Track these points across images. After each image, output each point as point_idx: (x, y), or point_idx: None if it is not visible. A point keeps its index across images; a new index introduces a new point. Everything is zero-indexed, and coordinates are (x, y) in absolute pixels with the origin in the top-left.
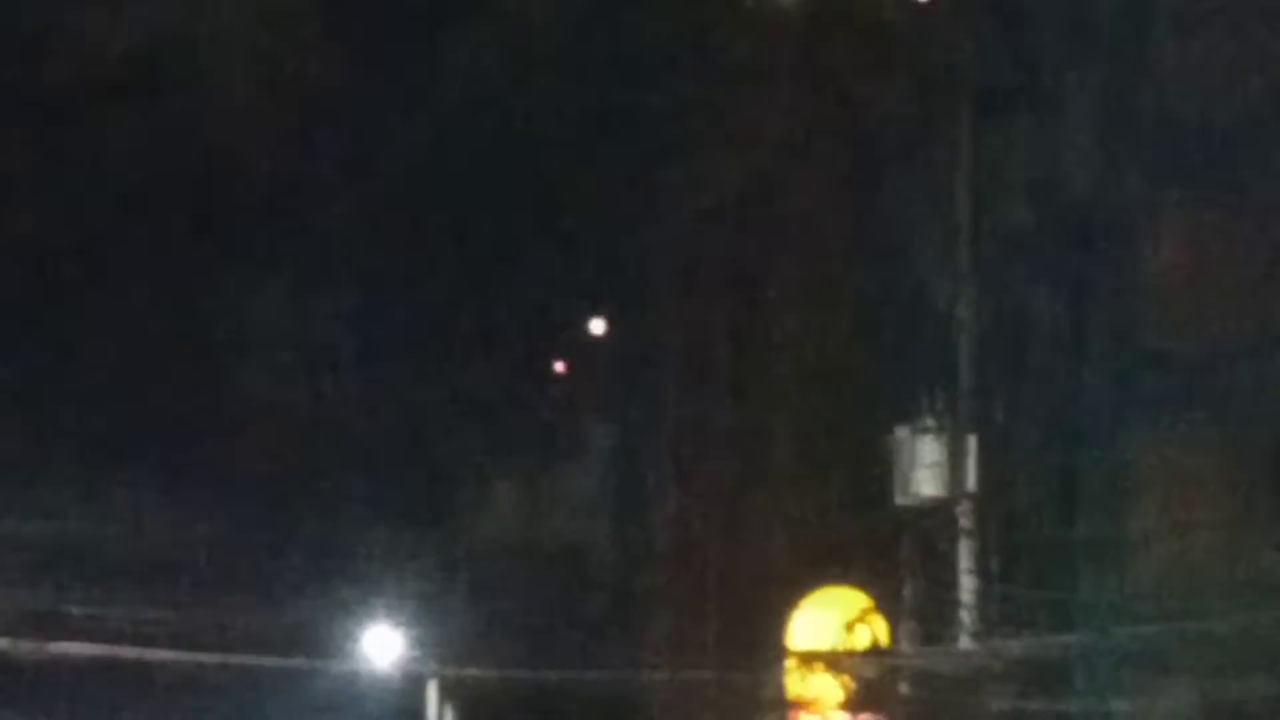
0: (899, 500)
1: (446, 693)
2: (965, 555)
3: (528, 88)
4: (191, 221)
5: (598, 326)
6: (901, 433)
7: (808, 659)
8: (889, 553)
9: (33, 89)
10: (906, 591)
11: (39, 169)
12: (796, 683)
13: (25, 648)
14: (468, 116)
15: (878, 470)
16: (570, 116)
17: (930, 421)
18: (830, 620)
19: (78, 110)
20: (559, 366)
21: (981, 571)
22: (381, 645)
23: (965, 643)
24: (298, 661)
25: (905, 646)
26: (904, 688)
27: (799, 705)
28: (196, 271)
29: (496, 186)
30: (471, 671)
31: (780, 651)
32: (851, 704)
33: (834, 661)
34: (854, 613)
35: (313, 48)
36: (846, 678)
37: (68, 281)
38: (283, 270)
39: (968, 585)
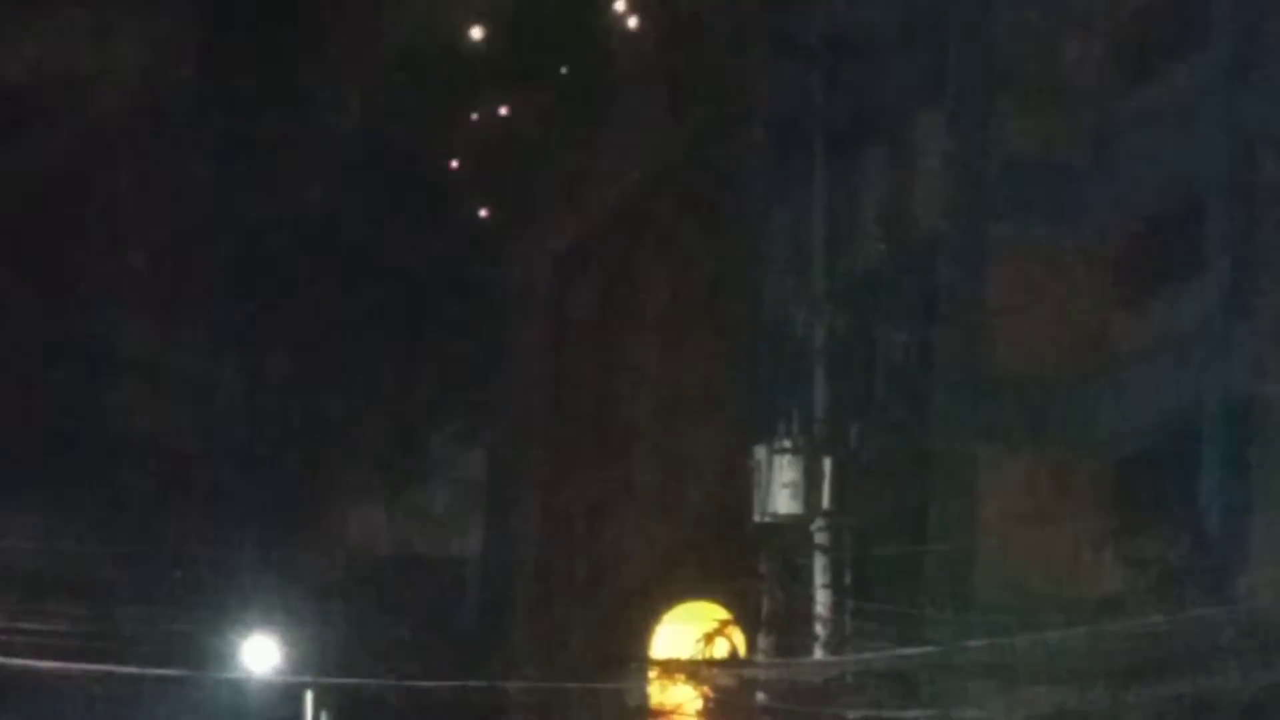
0: (757, 517)
1: (322, 701)
2: (820, 570)
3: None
4: (67, 251)
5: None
6: (760, 453)
7: (669, 669)
8: (747, 568)
9: None
10: (764, 605)
11: None
12: (658, 692)
13: None
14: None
15: (737, 489)
16: None
17: (787, 442)
18: (690, 632)
19: None
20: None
21: (836, 586)
22: (259, 654)
23: (819, 654)
24: (179, 671)
25: (762, 657)
26: (760, 697)
27: (661, 714)
28: (75, 298)
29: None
30: (347, 680)
31: (643, 662)
32: (710, 713)
33: (694, 672)
34: (713, 625)
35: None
36: (706, 687)
37: None
38: (160, 298)
39: (822, 599)
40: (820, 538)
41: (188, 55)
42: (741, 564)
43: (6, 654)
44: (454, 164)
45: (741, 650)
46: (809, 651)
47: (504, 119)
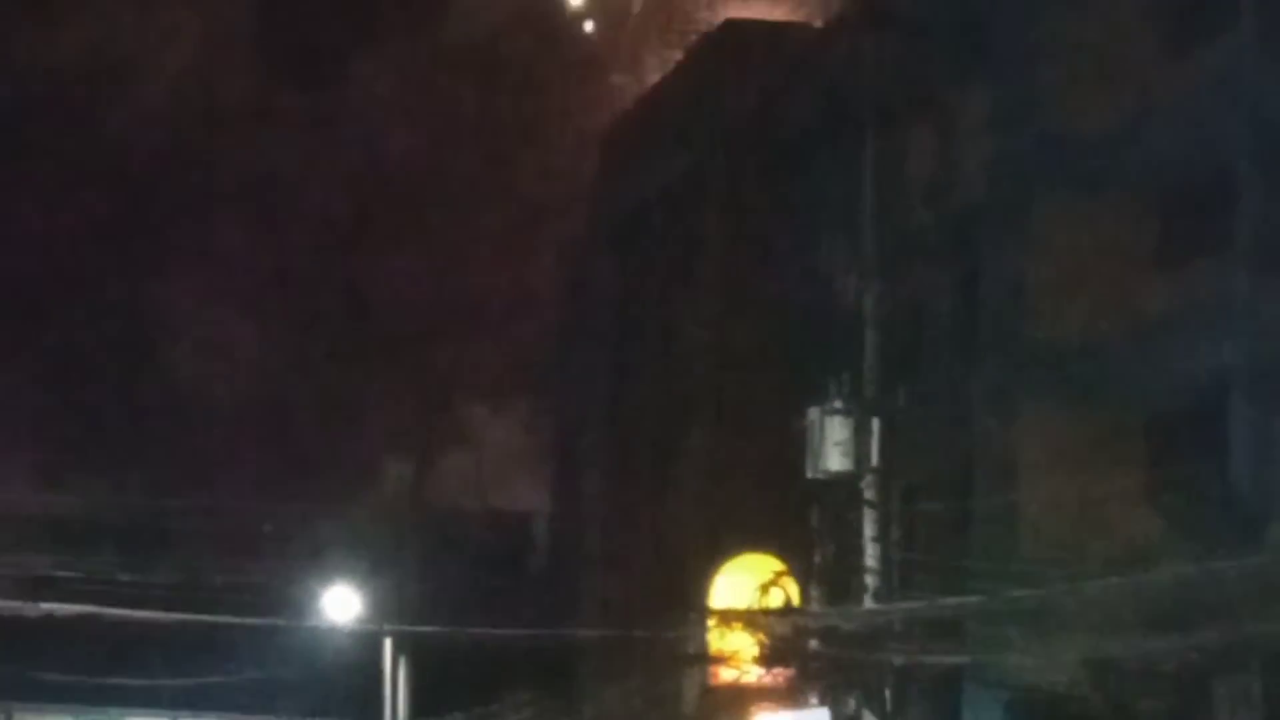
0: (810, 474)
1: (400, 646)
2: (869, 524)
3: None
4: (122, 227)
5: None
6: (812, 413)
7: (727, 618)
8: (801, 522)
9: None
10: (816, 557)
11: None
12: (717, 639)
13: (27, 609)
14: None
15: (791, 447)
16: None
17: (838, 404)
18: (747, 583)
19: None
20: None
21: (883, 539)
22: (340, 605)
23: (868, 603)
24: (266, 620)
25: (814, 606)
26: (812, 644)
27: (718, 659)
28: (136, 278)
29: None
30: (422, 630)
31: (703, 611)
32: (765, 658)
33: (750, 620)
34: (768, 576)
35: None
36: (761, 635)
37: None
38: (222, 274)
39: (871, 551)
40: (869, 494)
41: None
42: (795, 518)
43: (108, 604)
44: None
45: (795, 600)
46: (858, 601)
47: None
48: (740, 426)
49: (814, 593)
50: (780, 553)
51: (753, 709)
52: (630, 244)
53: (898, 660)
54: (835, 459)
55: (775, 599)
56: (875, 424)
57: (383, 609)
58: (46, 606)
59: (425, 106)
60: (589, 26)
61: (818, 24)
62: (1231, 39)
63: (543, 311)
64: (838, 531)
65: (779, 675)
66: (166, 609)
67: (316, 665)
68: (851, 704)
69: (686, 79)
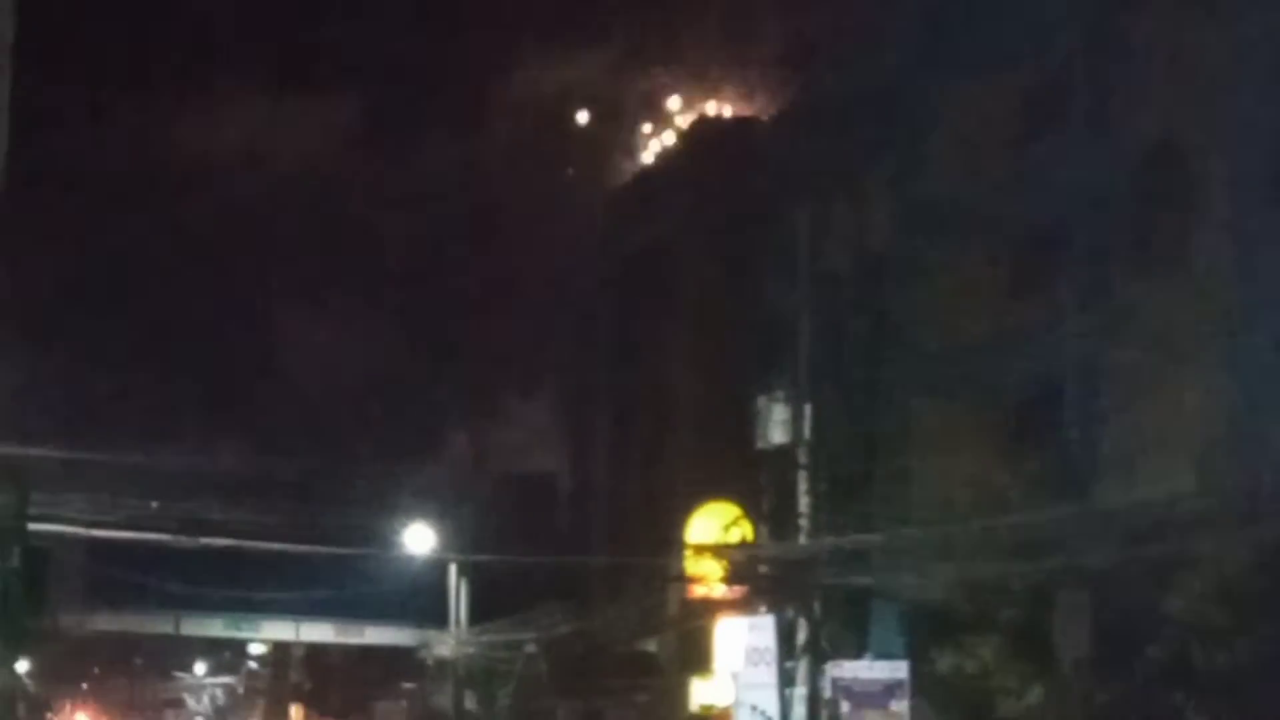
0: (760, 444)
1: (461, 570)
2: (803, 481)
3: None
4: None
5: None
6: (761, 400)
7: (699, 549)
8: (753, 479)
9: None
10: (764, 505)
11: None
12: (692, 565)
13: (190, 542)
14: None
15: (746, 425)
16: None
17: (780, 393)
18: (714, 524)
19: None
20: None
21: (814, 492)
22: (419, 538)
23: (803, 539)
24: (365, 550)
25: (764, 541)
26: (762, 569)
27: (693, 580)
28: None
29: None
30: (479, 556)
31: (681, 544)
32: (728, 579)
33: (716, 551)
34: (730, 518)
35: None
36: (725, 562)
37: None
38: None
39: (804, 501)
40: (803, 459)
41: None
42: (750, 477)
43: (249, 539)
44: None
45: (750, 536)
46: (795, 537)
47: None
48: (709, 410)
49: (763, 531)
50: (739, 501)
51: (718, 615)
52: (629, 279)
53: (824, 581)
54: (778, 433)
55: (735, 536)
56: (808, 409)
57: (449, 542)
58: (205, 541)
59: (479, 179)
60: (583, 118)
61: (765, 119)
62: (1061, 127)
63: (563, 328)
64: (780, 486)
65: (738, 591)
66: (292, 543)
67: (400, 583)
68: (790, 612)
69: (670, 159)
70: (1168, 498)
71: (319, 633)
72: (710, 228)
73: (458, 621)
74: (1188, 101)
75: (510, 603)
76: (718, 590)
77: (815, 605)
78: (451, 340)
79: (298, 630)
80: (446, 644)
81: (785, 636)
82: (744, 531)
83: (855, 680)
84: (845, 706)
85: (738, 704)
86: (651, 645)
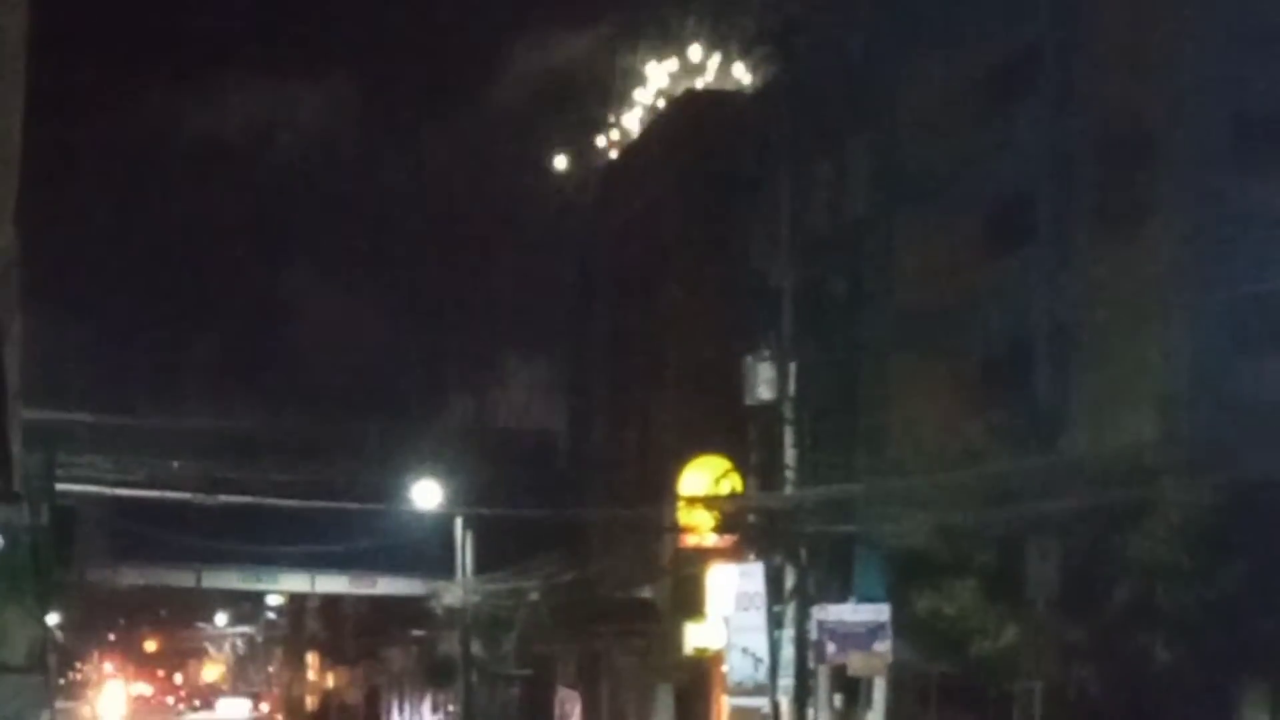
0: (747, 401)
1: (467, 523)
2: (788, 435)
3: None
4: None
5: None
6: (749, 360)
7: (691, 500)
8: (742, 434)
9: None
10: (752, 458)
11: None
12: (685, 515)
13: (209, 500)
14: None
15: (735, 383)
16: None
17: (766, 352)
18: (706, 476)
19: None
20: None
21: (799, 445)
22: (426, 494)
23: (789, 490)
24: (375, 505)
25: (752, 492)
26: (751, 518)
27: (686, 529)
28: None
29: None
30: (483, 510)
31: (675, 496)
32: (718, 528)
33: (708, 502)
34: (720, 471)
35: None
36: (715, 512)
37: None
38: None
39: (790, 454)
40: (788, 414)
41: None
42: (738, 432)
43: (265, 496)
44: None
45: (739, 487)
46: (782, 487)
47: None
48: (700, 369)
49: (752, 483)
50: (728, 455)
51: (710, 563)
52: (623, 246)
53: (809, 529)
54: (764, 391)
55: (725, 487)
56: (792, 367)
57: (455, 497)
58: (224, 498)
59: (487, 174)
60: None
61: (749, 92)
62: (1030, 103)
63: (563, 294)
64: (767, 441)
65: (728, 540)
66: (306, 499)
67: (409, 537)
68: (778, 559)
69: (659, 131)
70: (1132, 447)
71: (333, 584)
72: (698, 197)
73: (464, 572)
74: (1149, 73)
75: (513, 554)
76: (709, 539)
77: (802, 552)
78: (456, 307)
79: (313, 582)
80: (453, 593)
81: (774, 582)
82: (733, 483)
83: (840, 623)
84: (831, 647)
85: (729, 646)
86: (647, 592)
